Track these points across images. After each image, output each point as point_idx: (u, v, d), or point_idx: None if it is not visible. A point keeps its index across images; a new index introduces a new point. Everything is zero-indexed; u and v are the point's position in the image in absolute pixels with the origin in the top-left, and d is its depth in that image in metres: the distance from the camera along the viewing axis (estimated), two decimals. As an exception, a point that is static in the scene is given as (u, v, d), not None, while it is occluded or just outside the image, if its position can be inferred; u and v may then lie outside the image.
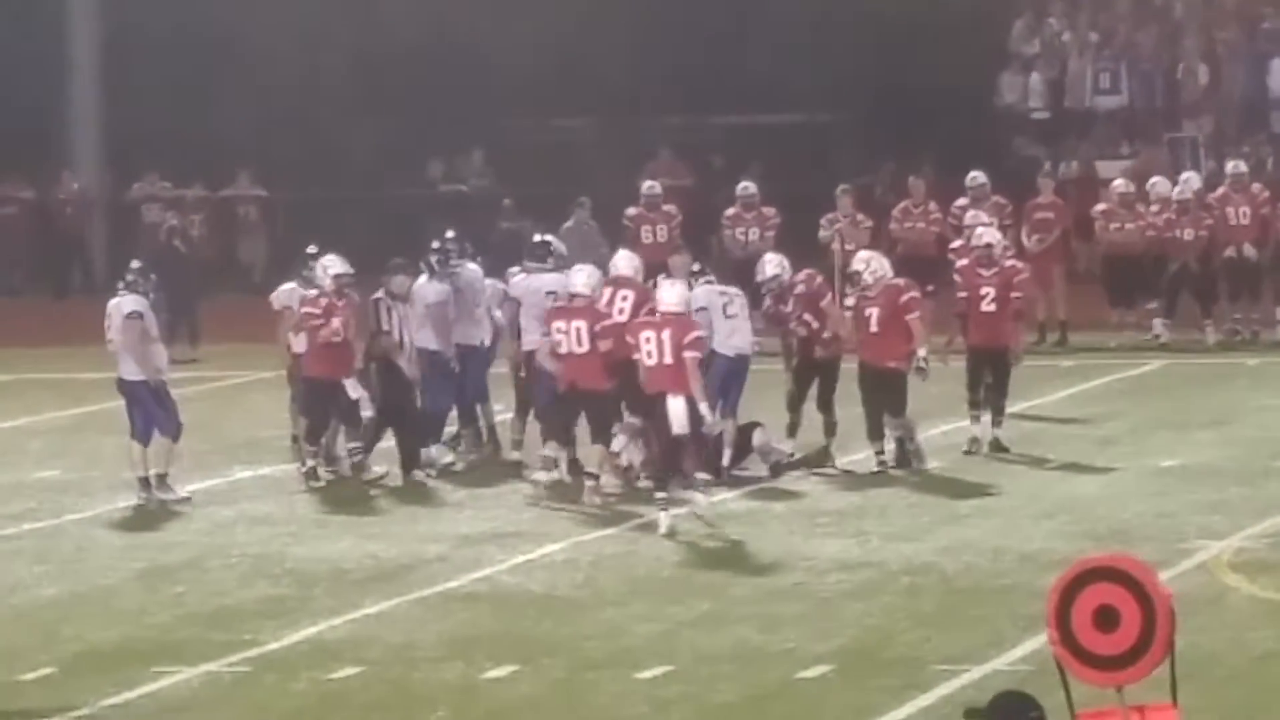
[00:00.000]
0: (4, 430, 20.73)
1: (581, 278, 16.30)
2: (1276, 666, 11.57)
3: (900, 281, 16.95)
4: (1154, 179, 24.32)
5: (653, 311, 15.73)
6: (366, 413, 16.71)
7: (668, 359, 15.08)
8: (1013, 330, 17.93)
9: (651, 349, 15.14)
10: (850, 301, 17.18)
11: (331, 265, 17.04)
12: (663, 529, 14.95)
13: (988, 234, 18.47)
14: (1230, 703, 10.87)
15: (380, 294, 17.06)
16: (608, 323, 15.92)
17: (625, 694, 11.45)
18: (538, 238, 18.00)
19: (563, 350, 15.90)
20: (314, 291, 16.94)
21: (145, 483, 16.41)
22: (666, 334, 15.11)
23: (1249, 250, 23.43)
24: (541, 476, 16.33)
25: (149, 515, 16.47)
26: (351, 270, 17.09)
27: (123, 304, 16.53)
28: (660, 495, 15.11)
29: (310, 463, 16.82)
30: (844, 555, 14.42)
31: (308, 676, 11.92)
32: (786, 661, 11.78)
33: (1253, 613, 12.78)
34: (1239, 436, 18.69)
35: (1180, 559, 13.94)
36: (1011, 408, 18.33)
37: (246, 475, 17.78)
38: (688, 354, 15.10)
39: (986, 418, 17.47)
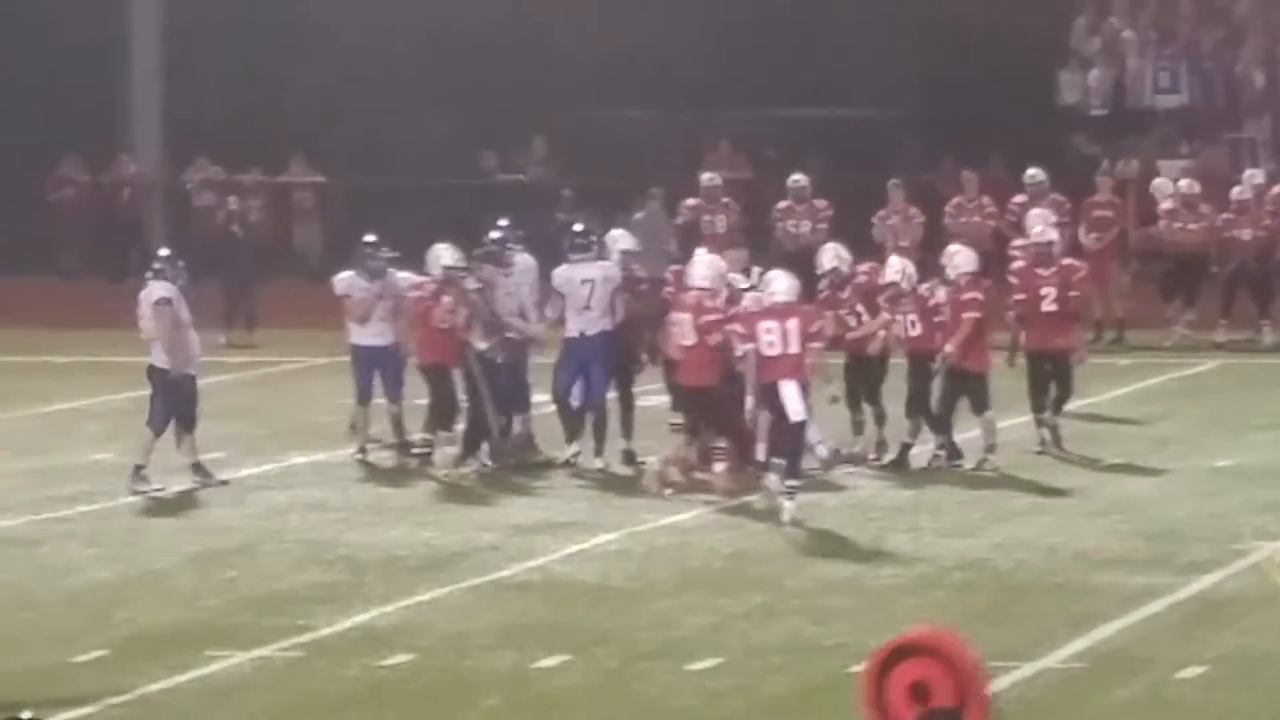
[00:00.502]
0: (60, 412, 21.07)
1: (700, 269, 16.60)
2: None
3: (968, 276, 17.05)
4: (1156, 180, 24.58)
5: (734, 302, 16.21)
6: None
7: (792, 348, 15.31)
8: (1073, 330, 18.10)
9: (774, 339, 15.35)
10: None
11: (443, 255, 17.31)
12: (786, 517, 15.14)
13: (1048, 232, 18.56)
14: (1283, 704, 10.93)
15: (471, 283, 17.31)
16: (714, 317, 16.17)
17: (676, 685, 11.58)
18: (578, 228, 18.17)
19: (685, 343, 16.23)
20: (424, 278, 17.33)
21: (197, 468, 16.70)
22: (792, 323, 15.34)
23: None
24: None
25: (202, 499, 16.79)
26: (463, 262, 17.31)
27: (152, 291, 16.74)
28: (790, 483, 15.27)
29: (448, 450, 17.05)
30: (897, 550, 14.61)
31: (359, 663, 12.08)
32: (838, 655, 11.88)
33: None
34: (1294, 437, 18.80)
35: (1233, 559, 14.07)
36: (1066, 406, 18.55)
37: (301, 460, 18.04)
38: (814, 344, 15.45)
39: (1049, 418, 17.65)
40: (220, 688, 11.67)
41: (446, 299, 16.94)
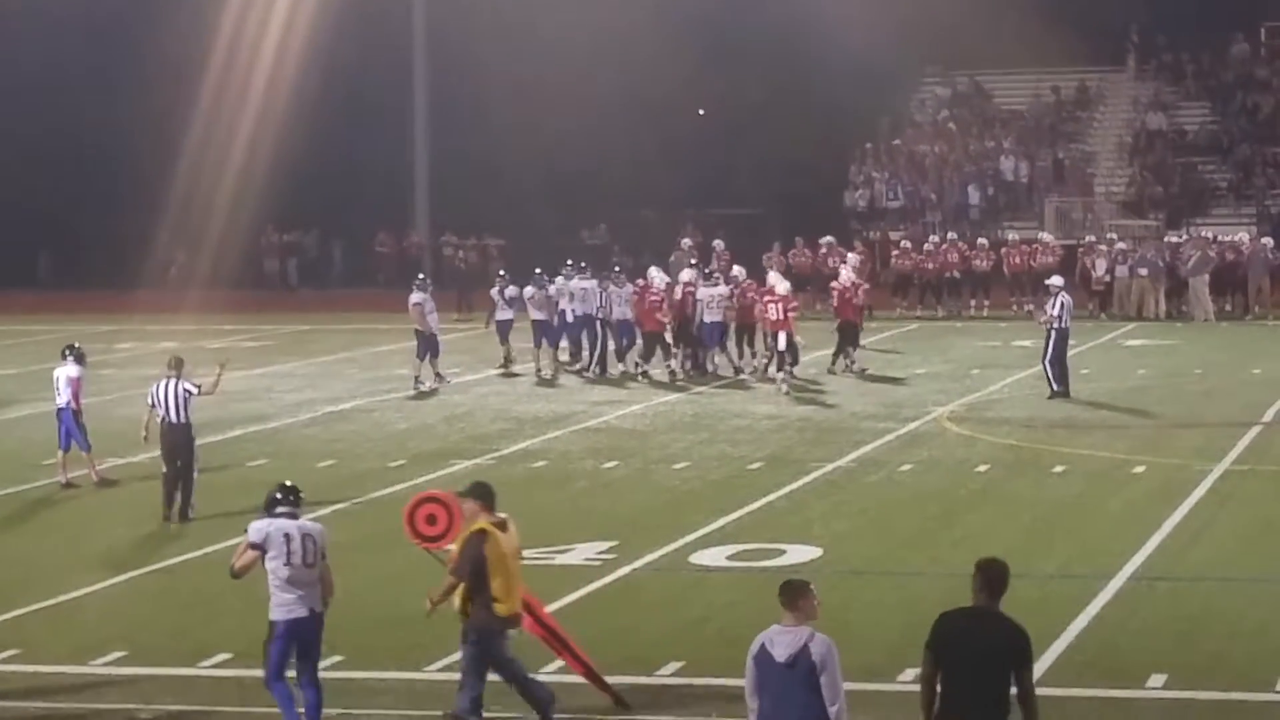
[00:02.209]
0: (379, 353, 34.92)
1: (779, 284, 31.19)
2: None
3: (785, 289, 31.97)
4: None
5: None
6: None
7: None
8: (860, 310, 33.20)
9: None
10: None
11: (657, 274, 32.56)
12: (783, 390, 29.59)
13: (846, 271, 35.55)
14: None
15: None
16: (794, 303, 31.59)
17: (668, 475, 22.96)
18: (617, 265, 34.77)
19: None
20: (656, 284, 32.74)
21: (439, 377, 31.24)
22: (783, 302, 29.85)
23: None
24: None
25: (444, 393, 30.84)
26: (666, 279, 32.67)
27: (412, 297, 31.12)
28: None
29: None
30: (763, 410, 28.08)
31: (522, 466, 24.00)
32: (740, 462, 23.71)
33: (959, 441, 25.55)
34: None
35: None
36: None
37: (494, 373, 32.08)
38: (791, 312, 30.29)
39: None
40: (463, 475, 22.53)
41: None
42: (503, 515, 13.20)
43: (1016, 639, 9.85)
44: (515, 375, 32.97)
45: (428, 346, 31.42)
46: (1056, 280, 30.37)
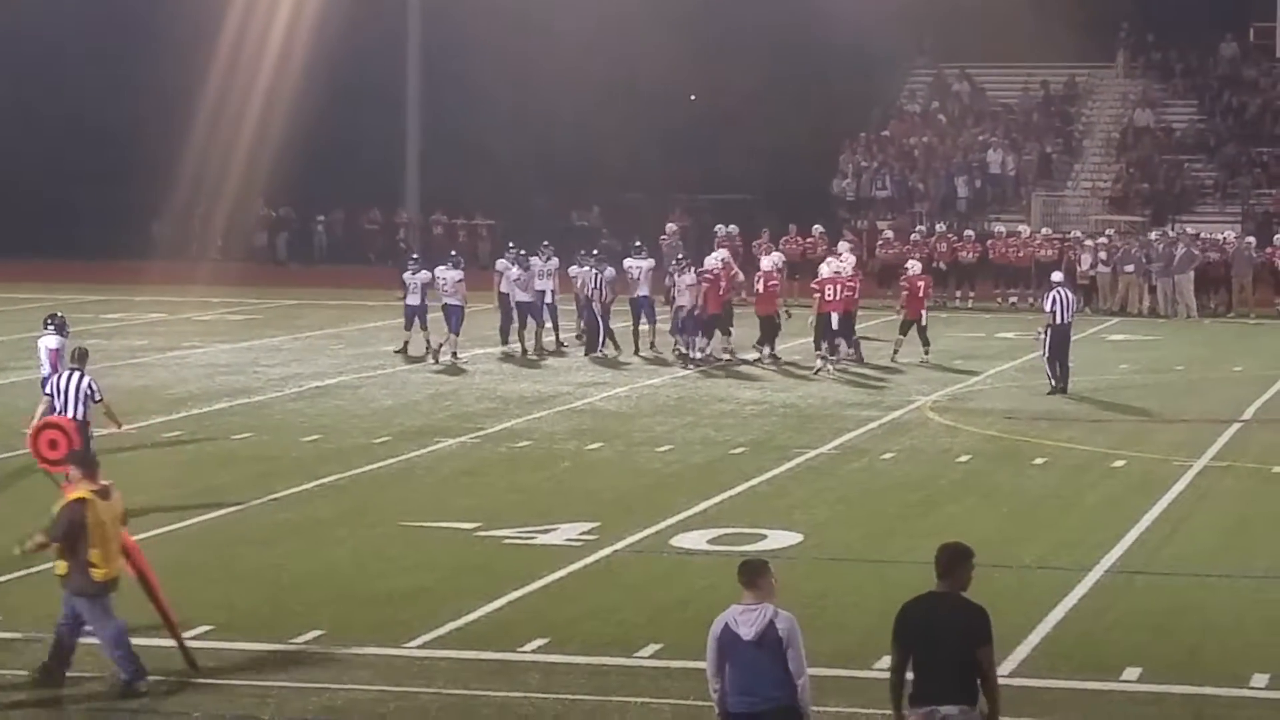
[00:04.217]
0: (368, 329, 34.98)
1: (846, 264, 32.11)
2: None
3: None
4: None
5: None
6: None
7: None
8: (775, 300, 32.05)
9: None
10: None
11: (712, 258, 32.84)
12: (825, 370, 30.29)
13: (849, 257, 34.85)
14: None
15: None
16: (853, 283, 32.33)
17: (650, 459, 23.10)
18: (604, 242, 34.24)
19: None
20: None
21: (436, 354, 31.29)
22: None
23: None
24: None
25: (445, 370, 30.85)
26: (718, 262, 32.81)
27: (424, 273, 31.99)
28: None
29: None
30: (750, 396, 28.26)
31: (506, 445, 23.89)
32: (723, 446, 23.79)
33: (942, 431, 25.68)
34: None
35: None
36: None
37: (494, 350, 32.15)
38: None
39: None
40: (446, 454, 23.37)
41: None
42: (106, 483, 13.70)
43: (973, 618, 10.01)
44: (413, 359, 32.56)
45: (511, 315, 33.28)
46: (1056, 276, 30.45)
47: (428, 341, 32.46)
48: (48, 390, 19.72)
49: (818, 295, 31.26)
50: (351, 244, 54.97)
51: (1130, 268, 42.54)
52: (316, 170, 52.45)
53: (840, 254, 33.80)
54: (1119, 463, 23.11)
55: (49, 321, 23.28)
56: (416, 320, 32.51)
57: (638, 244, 34.89)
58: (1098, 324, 39.53)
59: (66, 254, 51.43)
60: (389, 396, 28.43)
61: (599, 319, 33.16)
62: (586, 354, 33.00)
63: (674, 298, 32.49)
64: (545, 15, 50.88)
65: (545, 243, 34.69)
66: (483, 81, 51.82)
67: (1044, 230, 46.14)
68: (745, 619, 10.15)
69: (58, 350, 22.81)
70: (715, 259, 33.23)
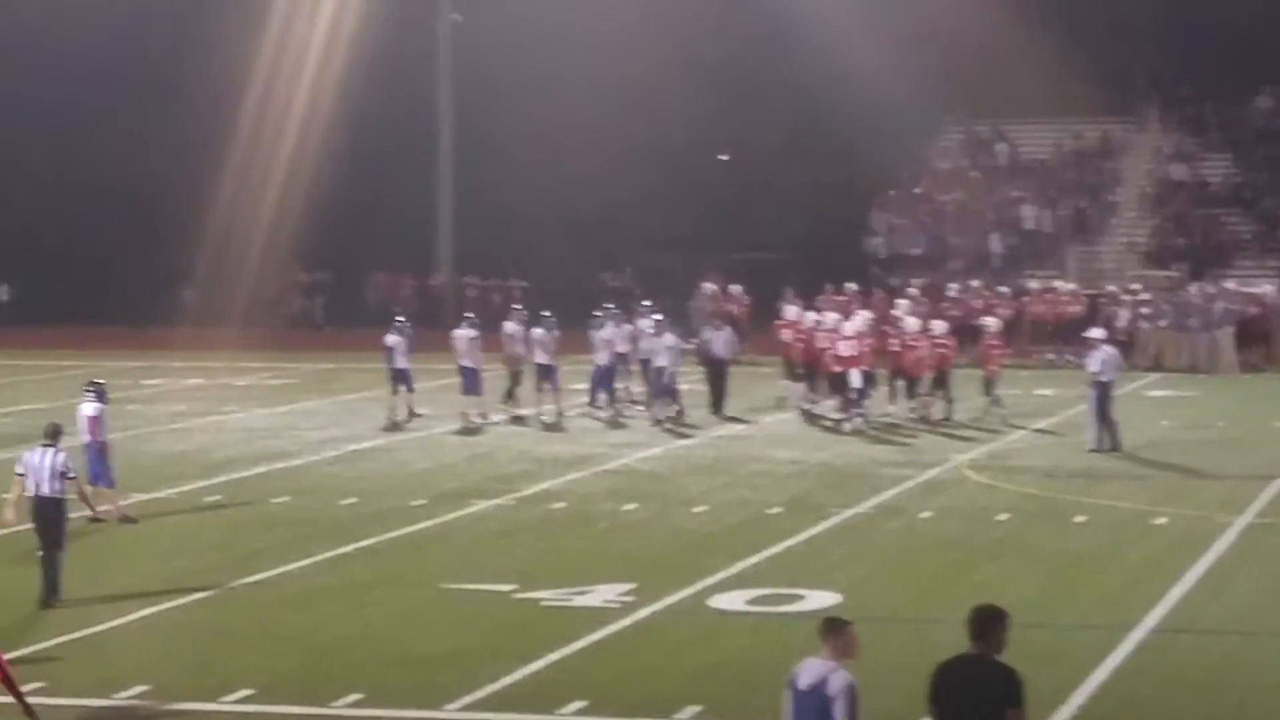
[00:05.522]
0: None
1: (911, 321, 32.41)
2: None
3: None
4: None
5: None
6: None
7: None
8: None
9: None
10: None
11: (796, 311, 33.70)
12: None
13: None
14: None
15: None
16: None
17: (685, 518, 23.17)
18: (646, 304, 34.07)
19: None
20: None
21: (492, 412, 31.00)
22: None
23: None
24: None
25: (481, 431, 30.81)
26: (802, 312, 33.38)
27: (461, 331, 32.02)
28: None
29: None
30: (790, 456, 28.18)
31: (542, 508, 23.95)
32: (758, 505, 23.68)
33: (980, 490, 25.55)
34: None
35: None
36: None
37: (531, 411, 32.12)
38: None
39: None
40: (483, 515, 23.34)
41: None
42: None
43: (1005, 681, 9.95)
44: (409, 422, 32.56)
45: (540, 376, 32.97)
46: (1096, 332, 30.32)
47: (409, 406, 32.57)
48: (19, 469, 18.61)
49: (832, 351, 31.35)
50: (385, 308, 55.60)
51: (1164, 322, 42.39)
52: (350, 234, 52.75)
53: (901, 314, 33.78)
54: (1160, 520, 22.95)
55: (88, 388, 23.36)
56: (399, 384, 32.42)
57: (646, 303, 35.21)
58: (1136, 380, 39.35)
59: (99, 320, 51.69)
60: (425, 459, 28.43)
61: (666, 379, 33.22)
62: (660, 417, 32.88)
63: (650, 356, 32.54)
64: (574, 77, 51.15)
65: (647, 303, 35.50)
66: (514, 144, 52.11)
67: (1070, 286, 46.04)
68: (807, 670, 10.31)
69: (95, 418, 22.88)
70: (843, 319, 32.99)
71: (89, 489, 22.37)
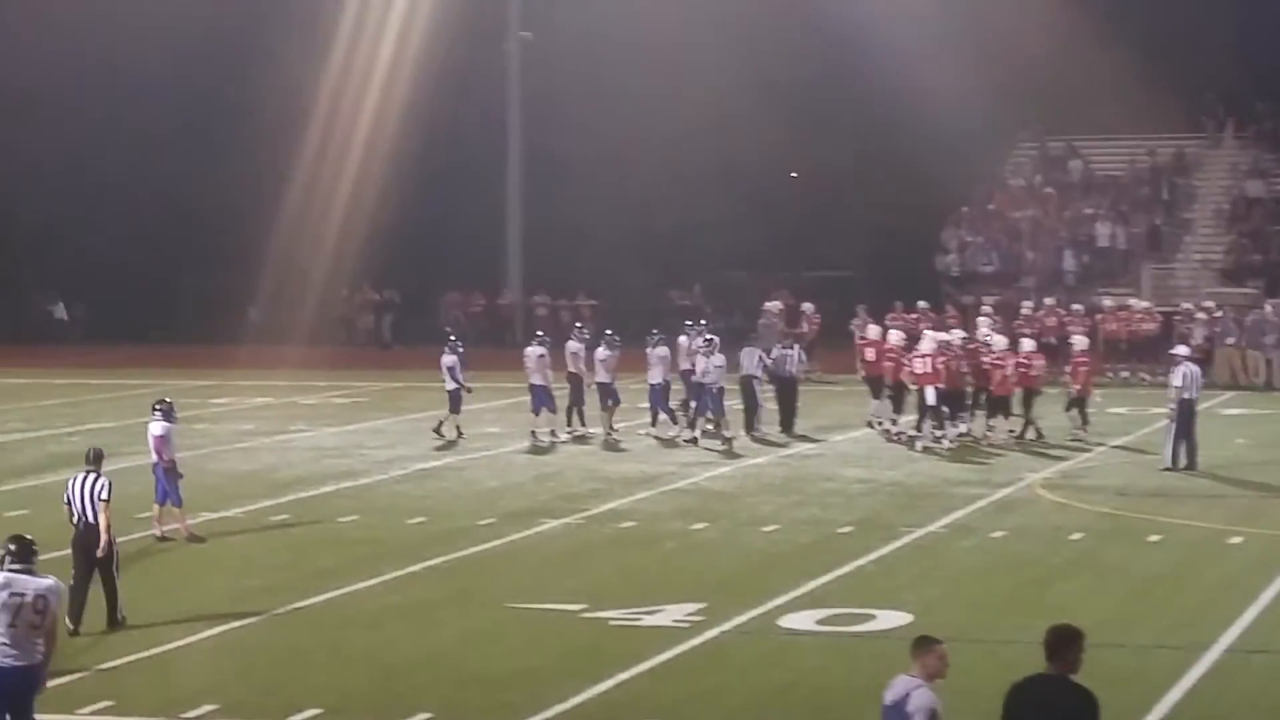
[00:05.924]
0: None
1: (996, 339, 32.70)
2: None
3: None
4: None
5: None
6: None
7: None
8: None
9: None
10: None
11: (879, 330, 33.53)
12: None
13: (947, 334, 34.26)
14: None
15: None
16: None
17: (756, 537, 23.02)
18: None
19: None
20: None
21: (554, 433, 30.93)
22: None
23: None
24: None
25: (553, 450, 30.77)
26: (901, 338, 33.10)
27: (531, 349, 31.56)
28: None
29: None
30: (860, 475, 27.97)
31: (611, 527, 23.85)
32: (829, 525, 23.61)
33: (1053, 509, 25.34)
34: None
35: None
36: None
37: (596, 430, 32.05)
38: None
39: None
40: (552, 535, 23.27)
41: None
42: None
43: (1081, 702, 9.83)
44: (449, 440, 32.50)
45: (602, 395, 32.76)
46: (1181, 350, 30.02)
47: (457, 426, 32.53)
48: (65, 498, 18.35)
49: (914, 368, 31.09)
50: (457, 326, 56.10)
51: (1231, 340, 41.93)
52: (419, 253, 52.88)
53: (986, 333, 33.55)
54: (1236, 539, 22.67)
55: (156, 407, 23.43)
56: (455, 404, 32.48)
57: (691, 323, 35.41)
58: (1211, 398, 38.86)
59: (166, 339, 52.01)
60: (493, 478, 28.40)
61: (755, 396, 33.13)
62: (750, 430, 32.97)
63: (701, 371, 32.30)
64: (644, 95, 51.14)
65: (702, 322, 35.48)
66: (582, 162, 52.12)
67: (1144, 304, 45.60)
68: (895, 686, 10.39)
69: (163, 437, 22.94)
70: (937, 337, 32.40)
71: (156, 508, 22.48)
